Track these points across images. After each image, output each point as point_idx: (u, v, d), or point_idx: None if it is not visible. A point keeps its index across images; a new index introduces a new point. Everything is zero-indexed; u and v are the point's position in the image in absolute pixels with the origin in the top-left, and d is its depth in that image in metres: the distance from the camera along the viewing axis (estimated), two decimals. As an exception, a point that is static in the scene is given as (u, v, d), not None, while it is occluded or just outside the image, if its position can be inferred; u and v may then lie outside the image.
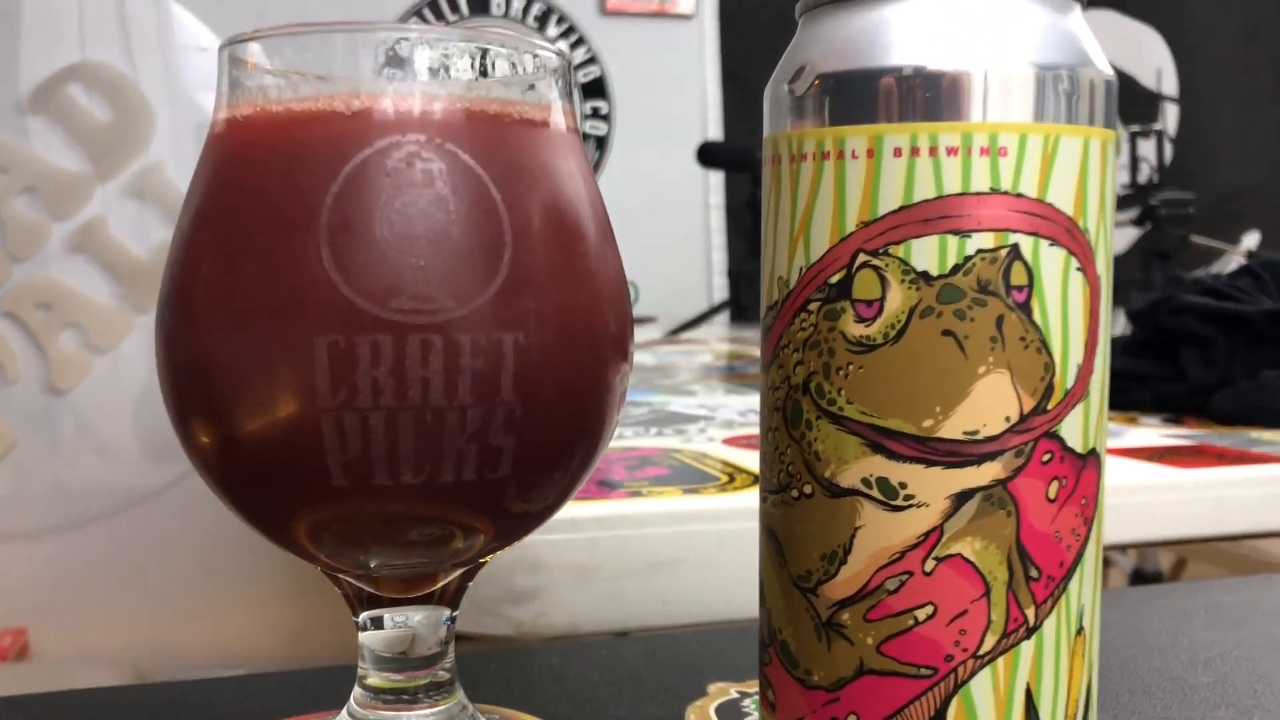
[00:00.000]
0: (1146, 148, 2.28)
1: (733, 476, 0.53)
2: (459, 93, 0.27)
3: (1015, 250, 0.25)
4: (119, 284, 1.85)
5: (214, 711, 0.36)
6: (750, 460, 0.58)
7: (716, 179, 2.05)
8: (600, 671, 0.40)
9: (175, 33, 1.83)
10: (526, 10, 2.07)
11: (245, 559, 1.90)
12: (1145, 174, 2.31)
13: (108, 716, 0.37)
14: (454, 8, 2.04)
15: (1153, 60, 2.35)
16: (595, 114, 2.09)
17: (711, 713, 0.35)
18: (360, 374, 0.25)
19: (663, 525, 0.47)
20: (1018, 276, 0.25)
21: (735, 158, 1.62)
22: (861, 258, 0.26)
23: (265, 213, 0.26)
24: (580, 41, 2.08)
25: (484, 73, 0.27)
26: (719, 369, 1.17)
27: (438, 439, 0.26)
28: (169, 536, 1.87)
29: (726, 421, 0.73)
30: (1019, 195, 0.25)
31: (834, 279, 0.26)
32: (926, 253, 0.25)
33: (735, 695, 0.37)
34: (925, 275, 0.25)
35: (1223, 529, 0.55)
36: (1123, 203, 2.23)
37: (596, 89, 2.09)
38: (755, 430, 0.69)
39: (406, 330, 0.25)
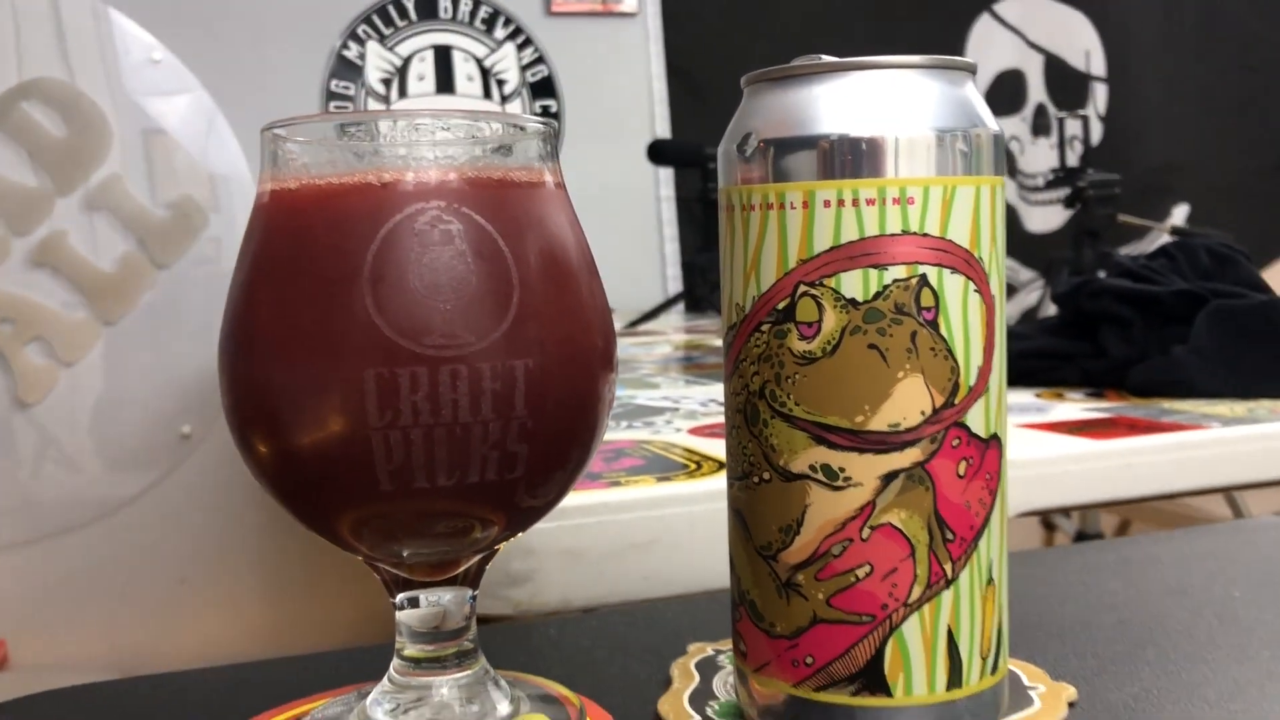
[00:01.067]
0: (1075, 126, 2.37)
1: (699, 464, 0.60)
2: (468, 163, 0.33)
3: (924, 279, 0.32)
4: (83, 296, 1.88)
5: (245, 695, 0.42)
6: (713, 448, 0.64)
7: (666, 173, 2.12)
8: (592, 639, 0.46)
9: (117, 43, 1.86)
10: (474, 13, 2.11)
11: (219, 565, 1.95)
12: (1078, 153, 2.40)
13: (140, 704, 0.42)
14: (402, 14, 2.08)
15: (1081, 42, 2.43)
16: (545, 112, 2.14)
17: (692, 667, 0.42)
18: (402, 399, 0.31)
19: (640, 510, 0.53)
20: (926, 299, 0.32)
21: (685, 155, 1.68)
22: (802, 288, 0.32)
23: (315, 269, 0.32)
24: (527, 42, 2.13)
25: (488, 145, 0.33)
26: (678, 359, 1.23)
27: (466, 448, 0.32)
28: (142, 546, 1.90)
29: (689, 413, 0.80)
30: (925, 234, 0.32)
31: (781, 305, 0.32)
32: (853, 283, 0.32)
33: (711, 652, 0.43)
34: (853, 301, 0.32)
35: (1135, 491, 0.63)
36: (1053, 184, 2.31)
37: (545, 88, 2.14)
38: (716, 420, 0.75)
39: (439, 362, 0.31)
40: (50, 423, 1.84)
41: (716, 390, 0.93)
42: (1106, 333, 0.84)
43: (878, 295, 0.32)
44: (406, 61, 2.06)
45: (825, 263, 0.32)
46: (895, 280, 0.32)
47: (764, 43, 2.18)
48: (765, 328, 0.33)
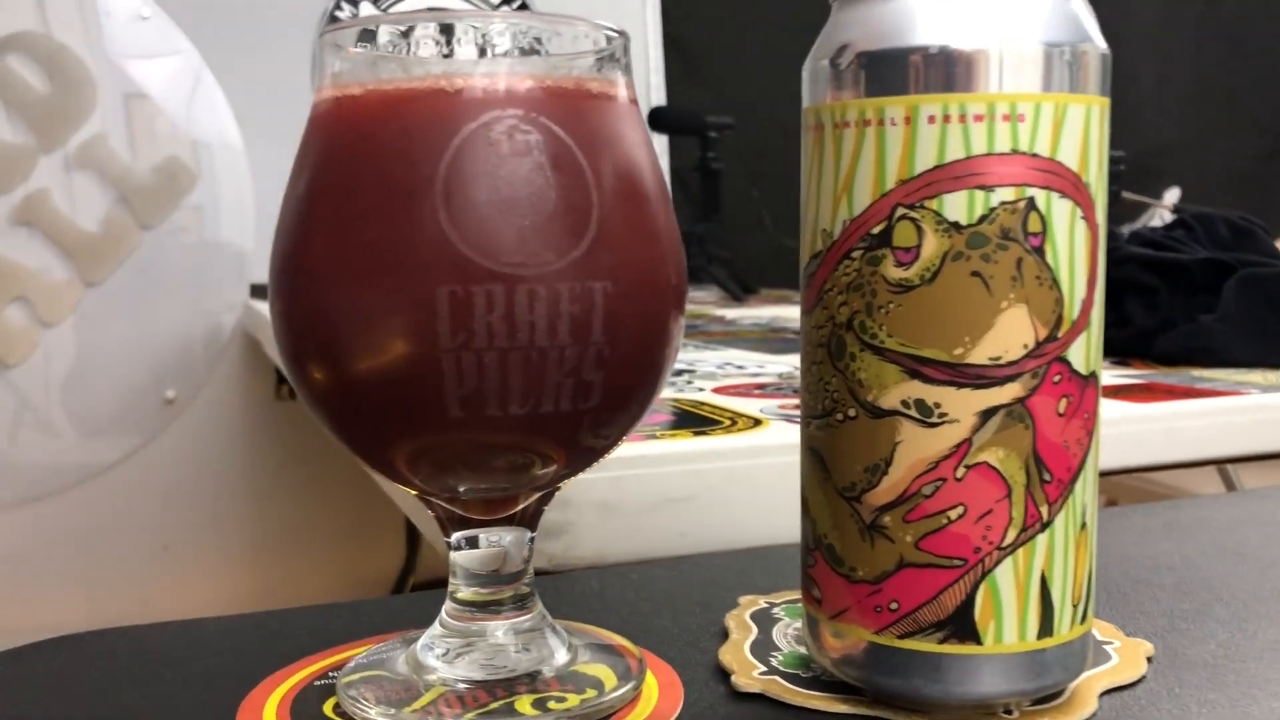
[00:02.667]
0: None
1: (734, 420, 0.58)
2: (545, 70, 0.30)
3: (1031, 202, 0.30)
4: (66, 256, 1.84)
5: (278, 642, 0.40)
6: (745, 406, 0.63)
7: (661, 142, 2.09)
8: (636, 591, 0.44)
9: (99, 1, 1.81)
10: (470, -23, 2.08)
11: (203, 532, 1.92)
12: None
13: (205, 643, 0.40)
14: (396, -25, 2.04)
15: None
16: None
17: (747, 619, 0.40)
18: (477, 319, 0.29)
19: (678, 464, 0.51)
20: (1034, 224, 0.30)
21: (686, 122, 1.65)
22: (900, 210, 0.30)
23: (382, 182, 0.29)
24: (524, 7, 2.10)
25: (566, 53, 0.31)
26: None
27: (541, 374, 0.30)
28: (124, 512, 1.87)
29: (708, 374, 0.78)
30: (1034, 155, 0.30)
31: (876, 229, 0.31)
32: (956, 205, 0.30)
33: (764, 604, 0.41)
34: (955, 225, 0.30)
35: (1176, 456, 0.61)
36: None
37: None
38: (739, 381, 0.73)
39: (516, 281, 0.29)
40: (29, 385, 1.80)
41: (730, 354, 0.91)
42: (1131, 301, 0.83)
43: (983, 219, 0.30)
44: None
45: (927, 183, 0.30)
46: (1002, 203, 0.30)
47: (760, 14, 2.16)
48: (856, 254, 0.31)
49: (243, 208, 1.85)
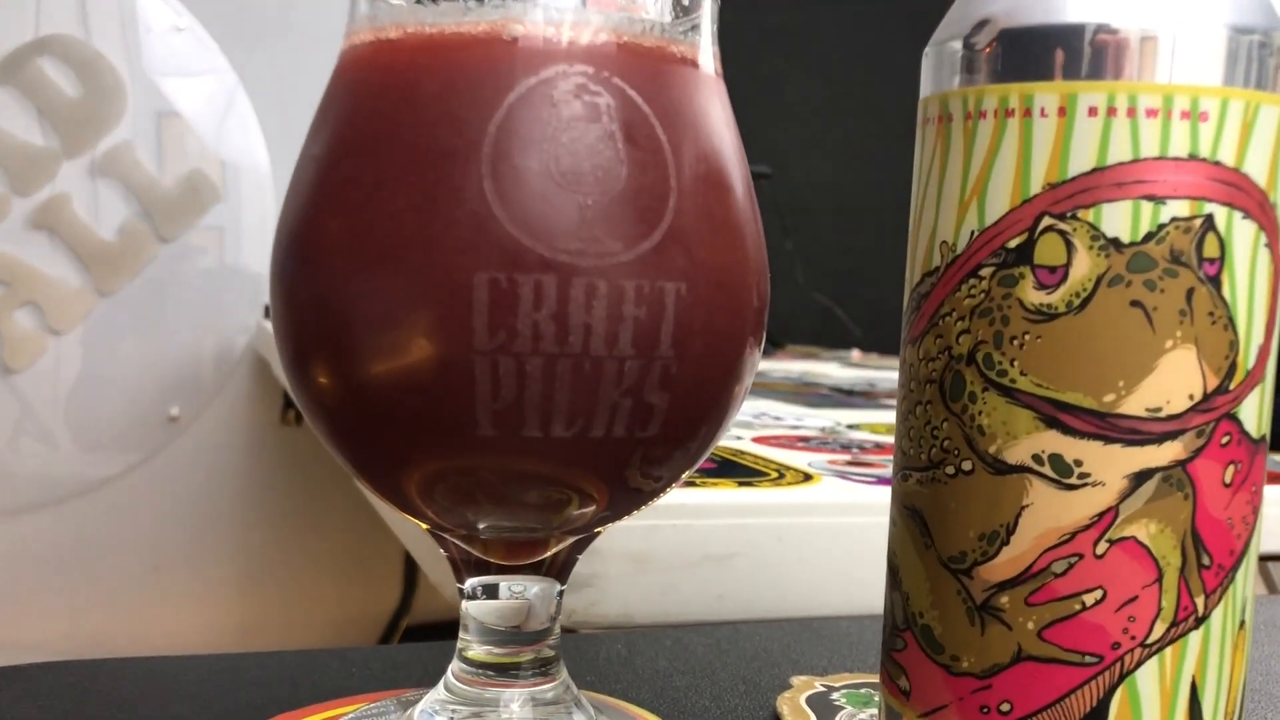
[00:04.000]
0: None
1: (781, 473, 0.52)
2: (624, 26, 0.25)
3: (1210, 221, 0.24)
4: (80, 264, 1.80)
5: (278, 686, 0.34)
6: (791, 459, 0.57)
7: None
8: (670, 661, 0.38)
9: (139, 11, 1.78)
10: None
11: (193, 555, 1.85)
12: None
13: (165, 686, 0.34)
14: None
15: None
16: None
17: (803, 704, 0.34)
18: (521, 316, 0.23)
19: (722, 517, 0.45)
20: (1210, 248, 0.24)
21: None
22: (1046, 221, 0.25)
23: (418, 143, 0.24)
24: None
25: (649, 8, 0.26)
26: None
27: (595, 390, 0.24)
28: (115, 529, 1.81)
29: (744, 423, 0.72)
30: (1217, 163, 0.24)
31: (1013, 243, 0.25)
32: (1118, 218, 0.24)
33: (821, 688, 0.35)
34: (1116, 242, 0.24)
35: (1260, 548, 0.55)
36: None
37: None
38: (780, 432, 0.67)
39: (572, 272, 0.23)
40: (33, 393, 1.75)
41: (763, 405, 0.85)
42: None
43: (1149, 237, 0.24)
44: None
45: (1083, 189, 0.24)
46: (1174, 219, 0.24)
47: (801, 66, 2.12)
48: (986, 272, 0.25)
49: (264, 229, 1.81)
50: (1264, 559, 0.58)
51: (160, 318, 1.79)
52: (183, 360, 1.82)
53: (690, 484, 0.48)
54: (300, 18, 1.87)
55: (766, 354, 1.47)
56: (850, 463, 0.56)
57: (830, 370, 1.27)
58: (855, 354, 1.61)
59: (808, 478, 0.51)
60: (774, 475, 0.51)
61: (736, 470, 0.52)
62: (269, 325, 1.65)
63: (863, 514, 0.47)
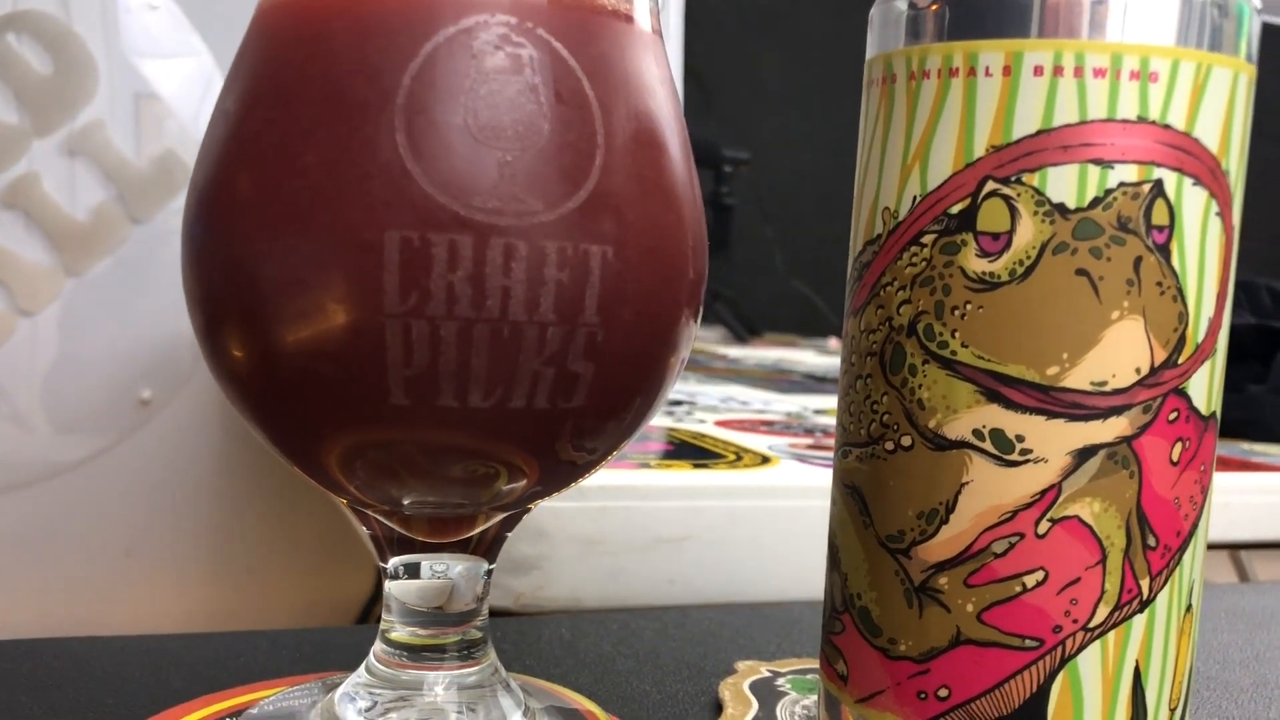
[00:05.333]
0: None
1: (739, 455, 0.51)
2: (551, -23, 0.24)
3: (1159, 186, 0.23)
4: (51, 245, 1.78)
5: (177, 673, 0.33)
6: (752, 442, 0.56)
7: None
8: (614, 645, 0.37)
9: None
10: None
11: (168, 539, 1.84)
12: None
13: (99, 666, 0.33)
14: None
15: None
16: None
17: (745, 690, 0.33)
18: (434, 277, 0.22)
19: (674, 499, 0.44)
20: (1159, 215, 0.23)
21: (700, 153, 1.59)
22: (990, 185, 0.24)
23: (330, 93, 0.23)
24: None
25: (579, -42, 0.25)
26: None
27: (514, 357, 0.23)
28: (86, 513, 1.79)
29: (709, 407, 0.71)
30: (1166, 126, 0.23)
31: (955, 209, 0.24)
32: (1063, 182, 0.23)
33: (766, 673, 0.34)
34: (1061, 208, 0.23)
35: (1232, 535, 0.54)
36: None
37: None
38: (744, 416, 0.66)
39: (489, 232, 0.22)
40: (2, 375, 1.73)
41: (733, 390, 0.84)
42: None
43: (1096, 203, 0.23)
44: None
45: (1027, 151, 0.23)
46: (1122, 184, 0.23)
47: (782, 52, 2.11)
48: (928, 239, 0.24)
49: (238, 209, 1.79)
50: (1236, 547, 0.57)
51: (132, 299, 1.77)
52: (155, 343, 1.80)
53: (644, 465, 0.47)
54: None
55: (742, 342, 1.46)
56: (811, 446, 0.55)
57: (806, 358, 1.26)
58: (833, 342, 1.61)
59: (766, 460, 0.50)
60: (731, 458, 0.50)
61: (693, 452, 0.51)
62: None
63: (819, 497, 0.46)
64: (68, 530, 1.92)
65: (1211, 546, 0.58)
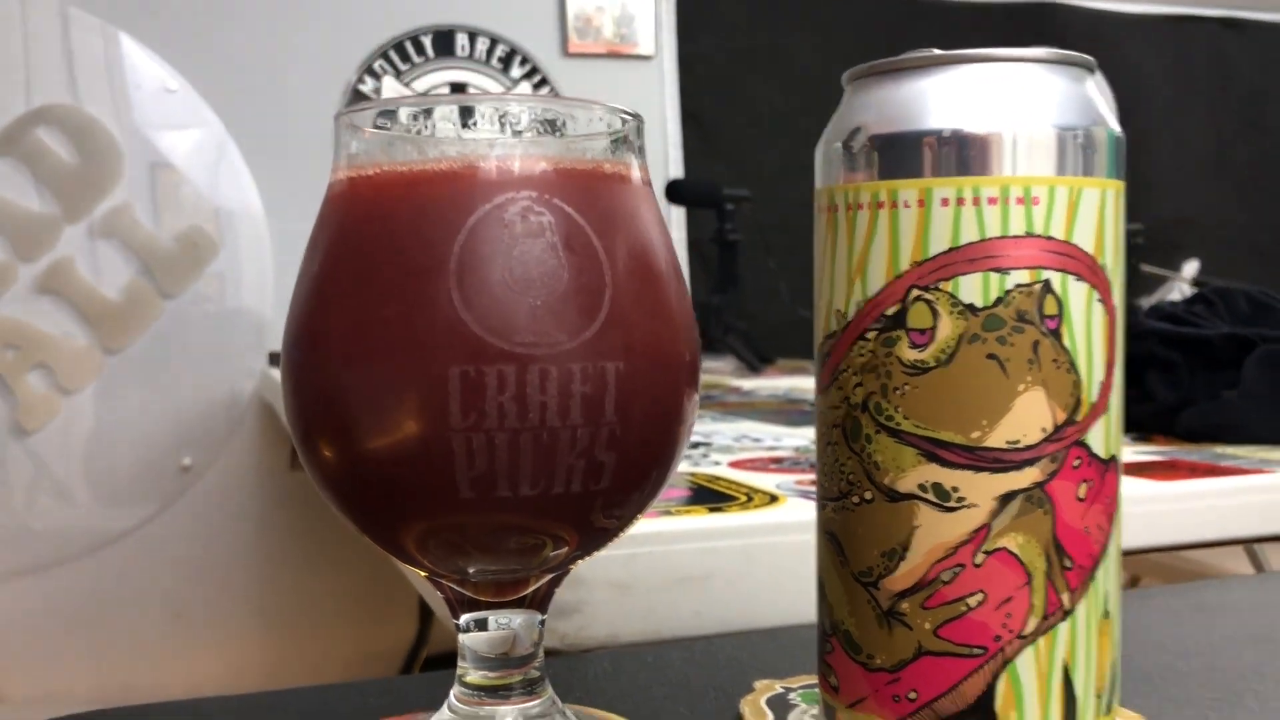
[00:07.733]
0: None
1: (750, 496, 0.57)
2: (559, 152, 0.31)
3: (1047, 285, 0.30)
4: (88, 324, 1.86)
5: None
6: (761, 481, 0.62)
7: (679, 214, 2.11)
8: (650, 674, 0.44)
9: (127, 71, 1.84)
10: (491, 52, 2.11)
11: (214, 601, 1.91)
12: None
13: (201, 726, 0.40)
14: (419, 50, 2.08)
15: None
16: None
17: (763, 704, 0.39)
18: (488, 399, 0.28)
19: (693, 541, 0.51)
20: (1050, 307, 0.30)
21: (703, 194, 1.67)
22: (915, 292, 0.30)
23: (397, 260, 0.29)
24: (544, 82, 2.13)
25: (580, 135, 0.31)
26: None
27: (552, 455, 0.29)
28: (135, 580, 1.86)
29: (724, 447, 0.77)
30: (1049, 237, 0.30)
31: (890, 311, 0.30)
32: (972, 287, 0.29)
33: (781, 690, 0.41)
34: (971, 306, 0.29)
35: (1201, 535, 0.60)
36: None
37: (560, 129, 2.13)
38: (754, 455, 0.73)
39: (528, 361, 0.29)
40: (47, 452, 1.80)
41: (746, 426, 0.90)
42: (1152, 376, 0.82)
43: (998, 301, 0.29)
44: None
45: (942, 265, 0.30)
46: (1018, 285, 0.29)
47: (776, 91, 2.18)
48: (871, 335, 0.31)
49: (263, 275, 1.87)
50: (1204, 545, 0.63)
51: (168, 370, 1.84)
52: (192, 410, 1.88)
53: (666, 513, 0.53)
54: (281, 68, 1.93)
55: (755, 372, 1.52)
56: (815, 482, 0.61)
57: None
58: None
59: (774, 499, 0.56)
60: (743, 499, 0.56)
61: (709, 496, 0.57)
62: (275, 372, 1.70)
63: (822, 531, 0.52)
64: (119, 597, 1.97)
65: (1223, 543, 0.64)
